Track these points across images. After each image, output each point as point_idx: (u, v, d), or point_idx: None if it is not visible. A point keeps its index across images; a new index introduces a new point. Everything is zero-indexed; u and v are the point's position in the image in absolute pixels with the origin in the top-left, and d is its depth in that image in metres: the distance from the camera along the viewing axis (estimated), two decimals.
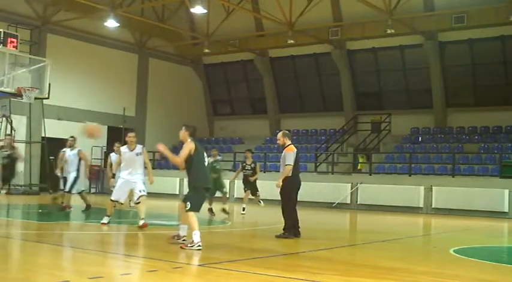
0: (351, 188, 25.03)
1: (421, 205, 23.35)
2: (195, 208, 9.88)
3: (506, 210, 21.93)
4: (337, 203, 24.22)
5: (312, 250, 10.98)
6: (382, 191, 24.29)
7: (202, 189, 10.06)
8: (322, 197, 24.98)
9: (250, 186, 18.84)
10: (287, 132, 12.65)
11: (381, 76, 31.48)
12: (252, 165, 18.86)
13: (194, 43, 34.52)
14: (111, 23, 27.09)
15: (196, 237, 9.59)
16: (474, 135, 27.87)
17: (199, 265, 8.53)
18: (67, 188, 16.56)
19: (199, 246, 9.54)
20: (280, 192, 12.26)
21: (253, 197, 19.10)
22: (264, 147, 31.52)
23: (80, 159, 16.66)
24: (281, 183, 12.12)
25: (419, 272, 8.90)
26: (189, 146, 9.89)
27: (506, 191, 22.05)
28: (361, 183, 24.99)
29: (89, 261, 8.71)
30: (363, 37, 29.61)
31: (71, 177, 16.50)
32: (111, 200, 13.03)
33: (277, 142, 12.73)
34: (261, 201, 19.24)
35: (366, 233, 16.32)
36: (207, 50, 31.40)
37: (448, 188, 23.03)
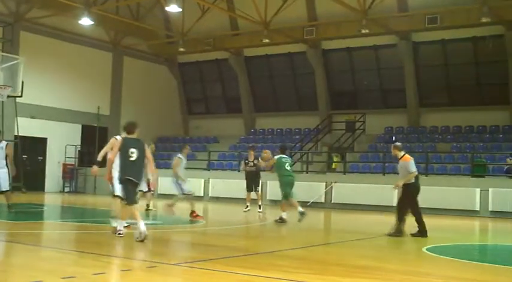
0: (325, 187, 25.12)
1: (395, 204, 23.45)
2: (130, 200, 10.80)
3: (477, 208, 22.15)
4: (312, 202, 24.29)
5: (286, 249, 11.02)
6: (356, 190, 24.40)
7: (126, 180, 10.78)
8: (296, 196, 24.98)
9: (253, 181, 19.92)
10: (398, 144, 14.04)
11: (355, 76, 31.66)
12: (255, 162, 19.66)
13: (169, 42, 34.41)
14: (86, 21, 26.90)
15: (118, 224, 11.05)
16: (447, 135, 28.16)
17: (174, 264, 8.52)
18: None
19: (119, 234, 10.95)
20: (401, 197, 13.73)
21: (255, 196, 20.12)
22: (239, 146, 31.53)
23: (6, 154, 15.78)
24: (400, 185, 13.59)
25: (393, 270, 8.99)
26: (113, 143, 11.47)
27: (478, 190, 22.27)
28: (335, 182, 25.10)
29: (63, 261, 8.66)
30: (337, 37, 29.73)
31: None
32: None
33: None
34: (249, 205, 19.92)
35: (340, 232, 16.44)
36: (181, 49, 31.31)
37: (421, 187, 23.19)
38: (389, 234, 13.33)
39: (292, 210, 16.01)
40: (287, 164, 16.10)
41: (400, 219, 13.42)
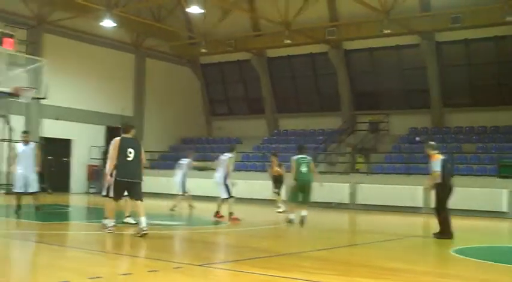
0: (349, 188, 24.99)
1: (420, 205, 23.33)
2: (116, 196, 11.58)
3: (505, 210, 21.90)
4: (336, 203, 24.18)
5: (311, 250, 10.96)
6: (380, 191, 24.25)
7: (119, 182, 11.36)
8: (320, 197, 24.87)
9: (277, 183, 20.69)
10: (431, 143, 14.04)
11: (378, 76, 31.46)
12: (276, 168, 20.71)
13: (191, 43, 34.46)
14: (108, 23, 27.02)
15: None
16: (472, 135, 27.85)
17: (199, 265, 8.50)
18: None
19: (109, 230, 11.49)
20: (435, 197, 13.54)
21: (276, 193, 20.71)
22: (262, 147, 31.47)
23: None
24: (429, 185, 13.58)
25: (420, 272, 8.89)
26: (112, 144, 11.60)
27: (505, 191, 22.03)
28: (359, 183, 24.96)
29: (89, 261, 8.69)
30: (359, 37, 29.56)
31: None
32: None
33: None
34: (280, 206, 20.17)
35: (365, 233, 16.32)
36: (203, 50, 31.34)
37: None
38: (435, 236, 13.18)
39: (300, 211, 15.71)
40: (303, 164, 15.64)
41: (441, 220, 13.28)
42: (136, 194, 11.49)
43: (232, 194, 16.35)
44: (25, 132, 16.53)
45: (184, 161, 20.14)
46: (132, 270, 7.89)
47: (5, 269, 7.91)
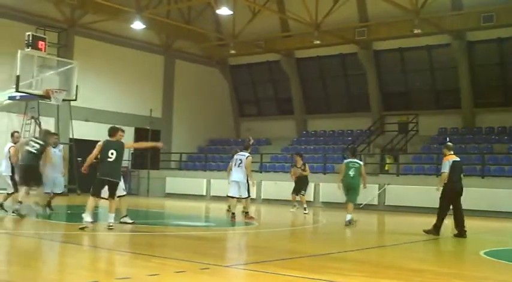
0: (379, 189, 24.84)
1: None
2: (94, 192, 12.38)
3: None
4: (365, 204, 24.05)
5: (339, 251, 10.91)
6: (409, 192, 24.07)
7: (100, 179, 12.39)
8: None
9: (300, 185, 20.79)
10: (448, 144, 14.29)
11: (408, 76, 31.22)
12: (302, 167, 20.79)
13: (220, 44, 34.55)
14: (138, 25, 27.24)
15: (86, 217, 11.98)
16: (504, 136, 27.47)
17: (227, 266, 8.51)
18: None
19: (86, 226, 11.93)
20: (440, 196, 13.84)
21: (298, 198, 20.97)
22: (291, 148, 31.42)
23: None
24: (440, 188, 13.78)
25: (449, 274, 8.80)
26: (97, 145, 12.43)
27: None
28: (388, 184, 24.80)
29: (117, 262, 8.75)
30: (389, 37, 29.38)
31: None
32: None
33: None
34: (296, 205, 20.90)
35: (394, 234, 16.19)
36: (233, 51, 31.41)
37: (476, 189, 22.70)
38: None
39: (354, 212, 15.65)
40: (352, 169, 15.34)
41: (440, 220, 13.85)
42: (112, 192, 12.53)
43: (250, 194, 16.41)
44: (55, 134, 16.75)
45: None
46: (159, 271, 7.92)
47: (34, 269, 8.01)
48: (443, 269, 9.30)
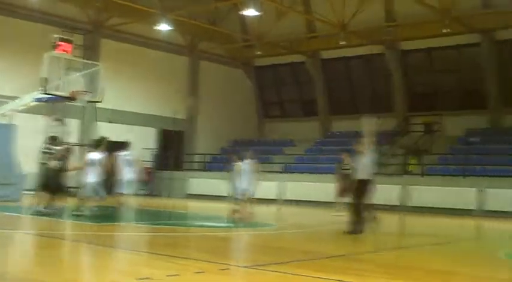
0: (401, 190, 24.61)
1: (474, 207, 22.83)
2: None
3: None
4: (388, 205, 23.86)
5: (362, 252, 10.85)
6: (433, 193, 23.84)
7: None
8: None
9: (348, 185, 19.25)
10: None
11: (434, 76, 30.92)
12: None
13: (245, 45, 34.57)
14: (163, 27, 27.38)
15: None
16: None
17: (246, 267, 8.51)
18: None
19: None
20: None
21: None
22: (315, 149, 31.33)
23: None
24: None
25: (471, 275, 8.71)
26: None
27: None
28: (411, 184, 24.58)
29: (137, 262, 8.79)
30: (417, 37, 29.09)
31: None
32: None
33: None
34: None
35: (417, 235, 16.05)
36: (258, 52, 31.39)
37: (502, 190, 22.43)
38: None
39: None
40: None
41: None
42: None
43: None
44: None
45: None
46: (179, 272, 7.94)
47: (57, 269, 8.07)
48: (467, 270, 9.21)
